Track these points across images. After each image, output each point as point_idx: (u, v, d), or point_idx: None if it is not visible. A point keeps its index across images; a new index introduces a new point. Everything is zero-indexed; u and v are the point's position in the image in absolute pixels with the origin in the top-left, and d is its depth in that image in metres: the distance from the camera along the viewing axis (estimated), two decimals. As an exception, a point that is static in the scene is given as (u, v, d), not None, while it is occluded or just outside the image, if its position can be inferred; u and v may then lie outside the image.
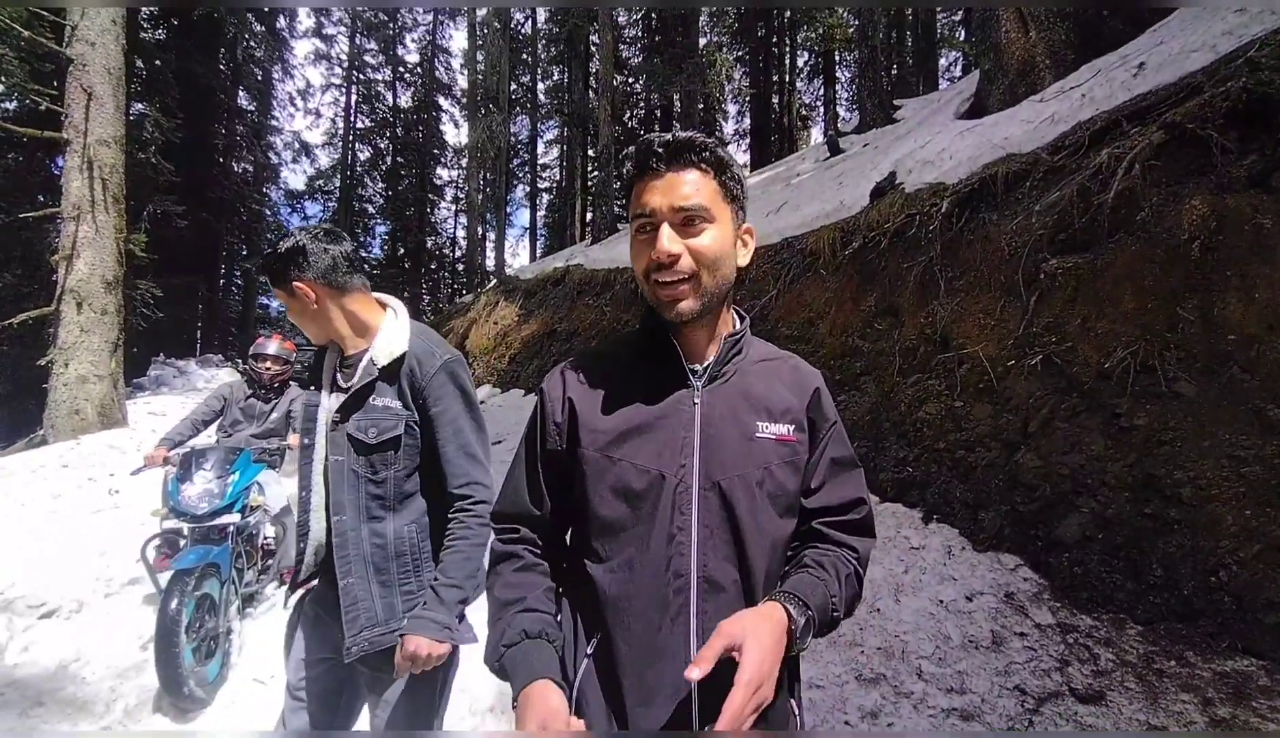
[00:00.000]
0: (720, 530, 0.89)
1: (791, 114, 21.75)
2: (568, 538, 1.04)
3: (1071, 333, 3.12)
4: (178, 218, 13.86)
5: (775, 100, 22.07)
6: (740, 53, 20.83)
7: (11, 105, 13.59)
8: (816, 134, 22.36)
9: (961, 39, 17.08)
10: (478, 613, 1.42)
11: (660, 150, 0.89)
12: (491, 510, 1.05)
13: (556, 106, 26.56)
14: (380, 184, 34.86)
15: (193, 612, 2.63)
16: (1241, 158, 2.77)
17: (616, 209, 14.37)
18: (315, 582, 1.54)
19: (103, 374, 6.95)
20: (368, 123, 33.66)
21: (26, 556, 3.87)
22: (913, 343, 3.97)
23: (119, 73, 6.61)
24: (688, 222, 0.88)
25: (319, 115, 33.64)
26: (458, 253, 36.08)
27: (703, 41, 17.16)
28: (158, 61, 17.53)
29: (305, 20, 30.31)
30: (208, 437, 3.75)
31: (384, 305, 1.57)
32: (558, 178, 30.15)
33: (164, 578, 2.78)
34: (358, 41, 32.30)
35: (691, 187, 0.88)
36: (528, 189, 30.18)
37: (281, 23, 27.29)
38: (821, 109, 21.42)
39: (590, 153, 22.71)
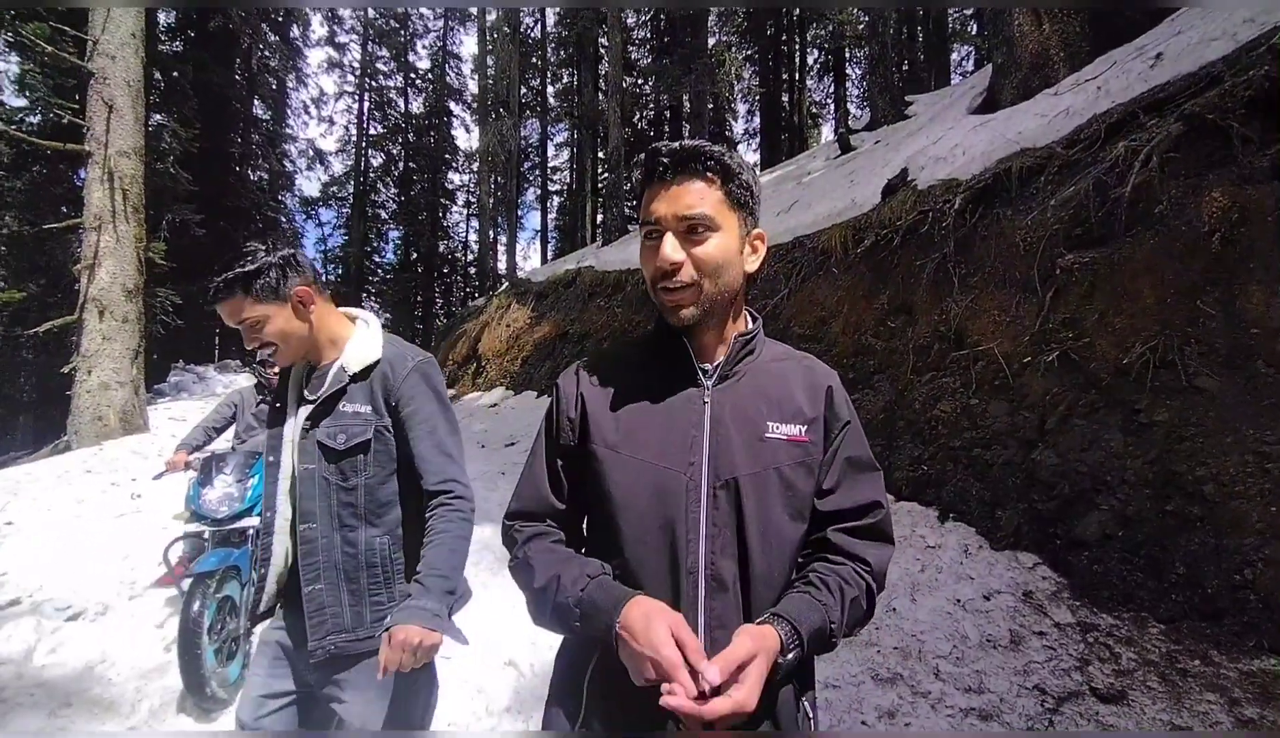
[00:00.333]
0: (727, 529, 0.89)
1: (802, 112, 21.66)
2: (583, 531, 1.05)
3: (1089, 329, 3.07)
4: (196, 226, 14.12)
5: (785, 98, 21.99)
6: (749, 52, 20.80)
7: (35, 119, 13.93)
8: (827, 132, 22.26)
9: (974, 33, 16.90)
10: (463, 620, 1.44)
11: (667, 159, 0.90)
12: (507, 510, 1.05)
13: (566, 109, 26.66)
14: (393, 190, 35.25)
15: (214, 614, 2.67)
16: (1264, 148, 2.71)
17: (627, 210, 14.39)
18: (272, 617, 1.49)
19: (124, 381, 7.09)
20: (380, 129, 34.07)
21: (53, 559, 3.96)
22: (927, 341, 3.94)
23: (138, 85, 6.74)
24: (691, 230, 0.89)
25: (332, 123, 34.11)
26: (470, 257, 36.39)
27: (712, 41, 17.16)
28: (175, 73, 17.87)
29: (318, 29, 30.83)
30: (225, 442, 3.81)
31: (351, 318, 1.56)
32: (568, 180, 30.28)
33: (184, 583, 2.84)
34: (370, 49, 32.69)
35: (695, 196, 0.89)
36: (539, 192, 30.31)
37: (295, 32, 27.69)
38: (832, 106, 21.31)
39: (600, 155, 22.77)
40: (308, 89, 30.27)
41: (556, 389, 1.04)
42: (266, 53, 25.47)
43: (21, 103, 14.19)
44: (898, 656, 2.61)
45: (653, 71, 19.72)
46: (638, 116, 24.89)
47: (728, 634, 0.86)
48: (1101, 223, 3.19)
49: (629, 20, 21.84)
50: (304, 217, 33.55)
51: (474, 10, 20.38)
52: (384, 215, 35.26)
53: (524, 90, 24.49)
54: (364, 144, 33.27)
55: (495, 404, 10.03)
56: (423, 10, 31.76)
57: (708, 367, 0.97)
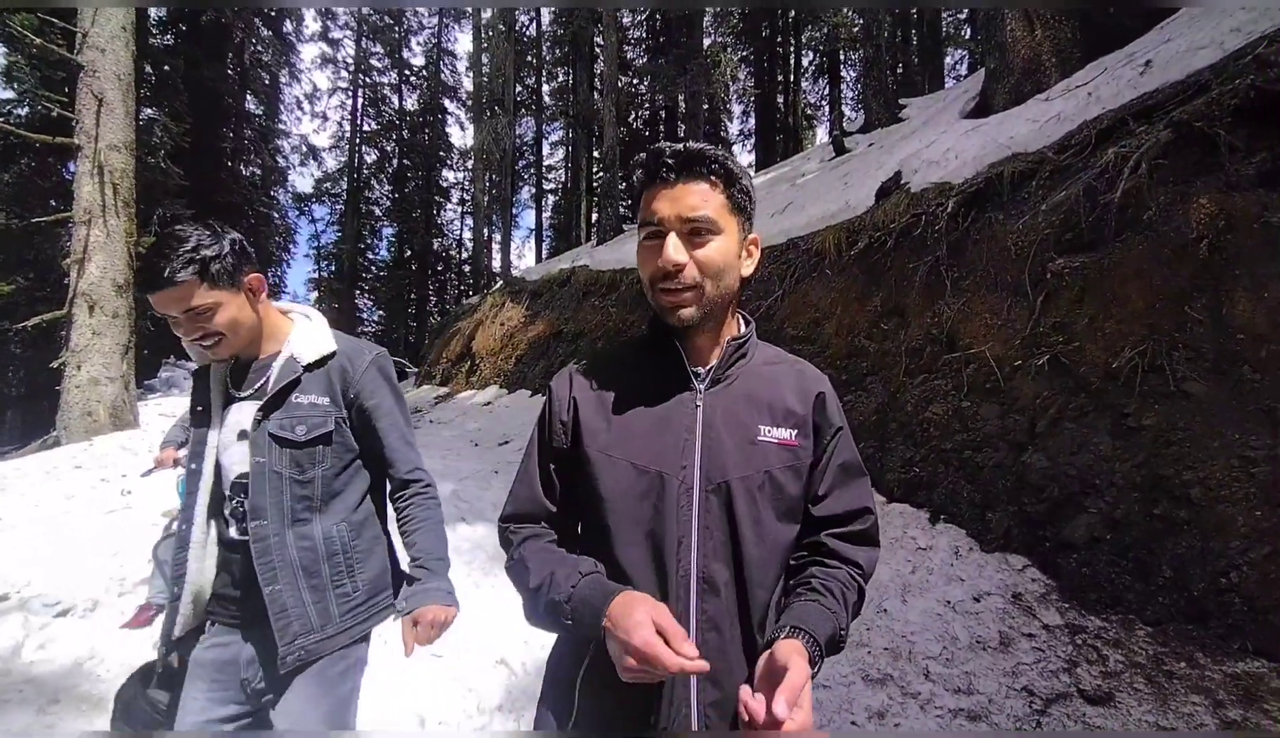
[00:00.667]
0: (719, 531, 0.90)
1: (796, 114, 21.72)
2: (577, 533, 1.06)
3: (1079, 333, 3.10)
4: (188, 221, 13.99)
5: (780, 100, 22.04)
6: (745, 53, 20.83)
7: (24, 112, 13.78)
8: (822, 134, 22.35)
9: (967, 37, 17.01)
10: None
11: (671, 160, 0.90)
12: (502, 512, 1.06)
13: (561, 108, 26.63)
14: (387, 187, 35.08)
15: None
16: (1250, 156, 2.75)
17: (622, 210, 14.38)
18: (200, 638, 1.39)
19: (114, 376, 7.02)
20: (374, 126, 33.90)
21: (41, 555, 3.92)
22: (919, 343, 3.97)
23: (129, 78, 6.68)
24: (694, 232, 0.90)
25: (326, 119, 33.95)
26: (464, 255, 36.27)
27: (707, 42, 17.18)
28: (166, 67, 17.71)
29: (312, 24, 30.57)
30: None
31: (284, 311, 1.51)
32: (563, 179, 30.25)
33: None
34: (364, 45, 32.52)
35: (699, 198, 0.90)
36: (533, 191, 30.26)
37: (288, 27, 27.51)
38: (826, 109, 21.39)
39: (595, 154, 22.76)
40: (301, 84, 30.19)
41: (549, 392, 1.04)
42: (259, 48, 25.30)
43: (9, 95, 14.05)
44: (888, 656, 2.63)
45: (648, 71, 19.73)
46: (633, 116, 24.87)
47: (719, 636, 0.87)
48: (1092, 228, 3.23)
49: (624, 20, 21.82)
50: (297, 213, 33.34)
51: (469, 8, 20.31)
52: (378, 212, 35.09)
53: (519, 88, 24.43)
54: (358, 140, 33.08)
55: (489, 403, 10.01)
56: (418, 7, 31.61)
57: (700, 370, 0.97)
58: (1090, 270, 3.15)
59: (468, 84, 29.73)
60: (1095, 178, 3.29)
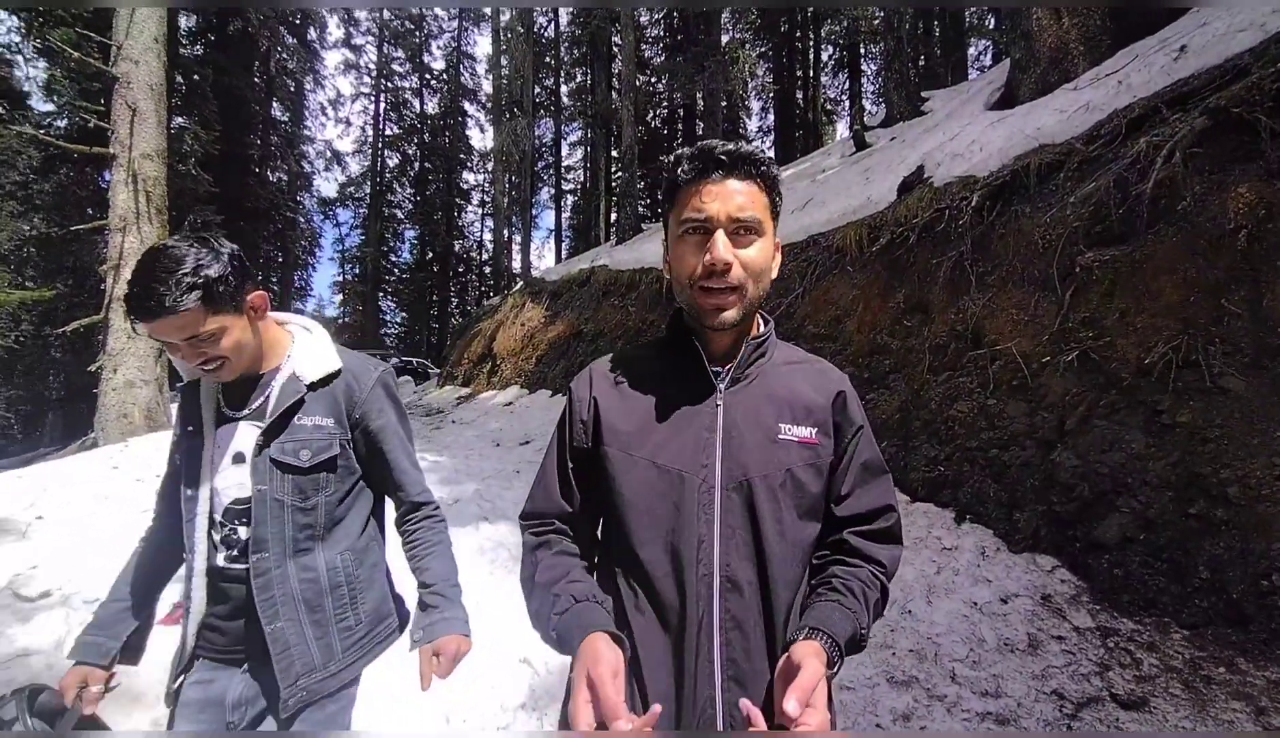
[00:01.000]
0: (741, 531, 0.90)
1: (816, 109, 21.49)
2: (598, 533, 1.06)
3: (1109, 328, 3.02)
4: (217, 227, 14.35)
5: (799, 96, 21.84)
6: (763, 49, 20.68)
7: (63, 123, 14.26)
8: (842, 129, 22.08)
9: (991, 27, 16.66)
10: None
11: (724, 158, 0.90)
12: (523, 510, 1.06)
13: (580, 108, 26.72)
14: (409, 190, 35.63)
15: None
16: (1291, 142, 2.65)
17: (641, 209, 14.39)
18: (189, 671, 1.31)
19: (149, 379, 7.23)
20: (396, 130, 34.45)
21: (81, 553, 4.06)
22: (943, 340, 3.90)
23: (160, 88, 6.86)
24: (740, 232, 0.90)
25: (349, 124, 34.54)
26: (485, 256, 36.68)
27: (725, 39, 17.08)
28: (196, 76, 18.18)
29: (335, 31, 31.23)
30: None
31: (281, 323, 1.41)
32: (582, 179, 30.35)
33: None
34: (385, 50, 33.05)
35: (748, 198, 0.90)
36: (553, 191, 30.44)
37: (312, 34, 28.03)
38: (847, 103, 21.14)
39: (614, 154, 22.79)
40: (325, 91, 30.71)
41: (570, 393, 1.05)
42: (284, 55, 25.83)
43: (49, 107, 14.55)
44: (913, 658, 2.59)
45: (666, 70, 19.68)
46: (651, 115, 24.86)
47: (743, 636, 0.87)
48: (1123, 220, 3.14)
49: (642, 18, 21.81)
50: (321, 217, 34.05)
51: (488, 10, 20.48)
52: (400, 215, 35.65)
53: (538, 90, 24.58)
54: (380, 145, 33.64)
55: (510, 403, 10.09)
56: (437, 11, 31.98)
57: (720, 369, 0.97)
58: (1121, 263, 3.07)
59: (487, 86, 30.09)
60: (1126, 168, 3.20)
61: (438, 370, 19.17)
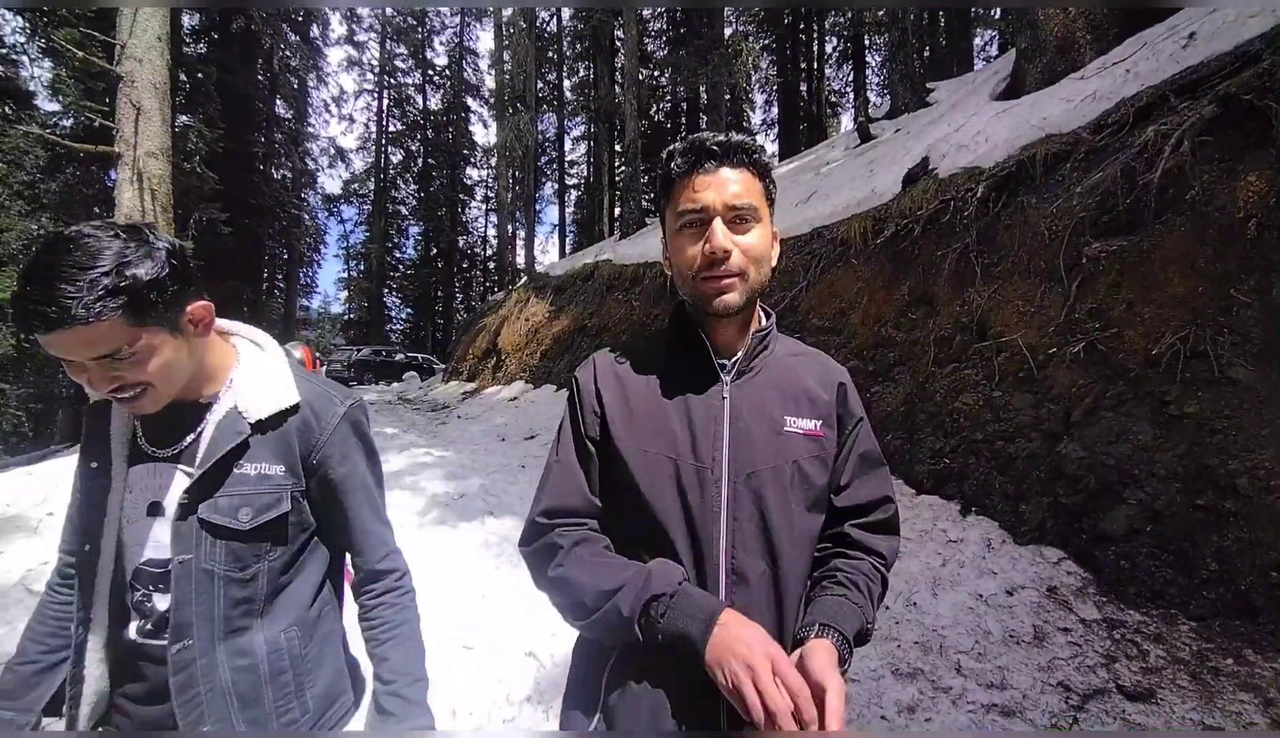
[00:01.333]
0: (749, 523, 0.89)
1: (820, 101, 21.37)
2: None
3: (1116, 319, 3.00)
4: (222, 225, 14.41)
5: (803, 88, 21.71)
6: (767, 41, 20.56)
7: (69, 122, 14.32)
8: (846, 121, 21.96)
9: (997, 17, 16.49)
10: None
11: (715, 148, 0.91)
12: (541, 507, 0.97)
13: (583, 103, 26.65)
14: (413, 186, 35.66)
15: None
16: (1302, 129, 2.62)
17: (645, 203, 14.36)
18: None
19: (156, 377, 7.27)
20: (399, 126, 34.46)
21: (91, 549, 4.10)
22: (948, 332, 3.88)
23: (164, 87, 6.88)
24: (738, 220, 0.91)
25: (353, 121, 34.70)
26: (489, 251, 36.71)
27: (728, 31, 16.99)
28: (200, 74, 18.21)
29: (338, 27, 31.22)
30: None
31: (224, 334, 1.11)
32: (585, 174, 30.33)
33: None
34: (388, 47, 33.03)
35: (743, 186, 0.91)
36: (556, 186, 30.42)
37: (315, 31, 28.02)
38: (851, 95, 20.99)
39: (617, 148, 22.72)
40: (328, 88, 30.70)
41: (576, 383, 1.03)
42: (287, 52, 25.82)
43: (55, 107, 14.61)
44: (918, 650, 2.59)
45: (669, 63, 19.61)
46: (654, 109, 24.79)
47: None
48: (1130, 210, 3.11)
49: (645, 12, 21.70)
50: (326, 214, 34.12)
51: (490, 6, 20.42)
52: (404, 211, 35.72)
53: (540, 84, 24.53)
54: (384, 141, 33.67)
55: (515, 398, 10.11)
56: (440, 6, 31.91)
57: (725, 362, 0.97)
58: (1128, 254, 3.04)
59: (490, 82, 30.10)
60: (1133, 158, 3.16)
61: (443, 366, 19.23)
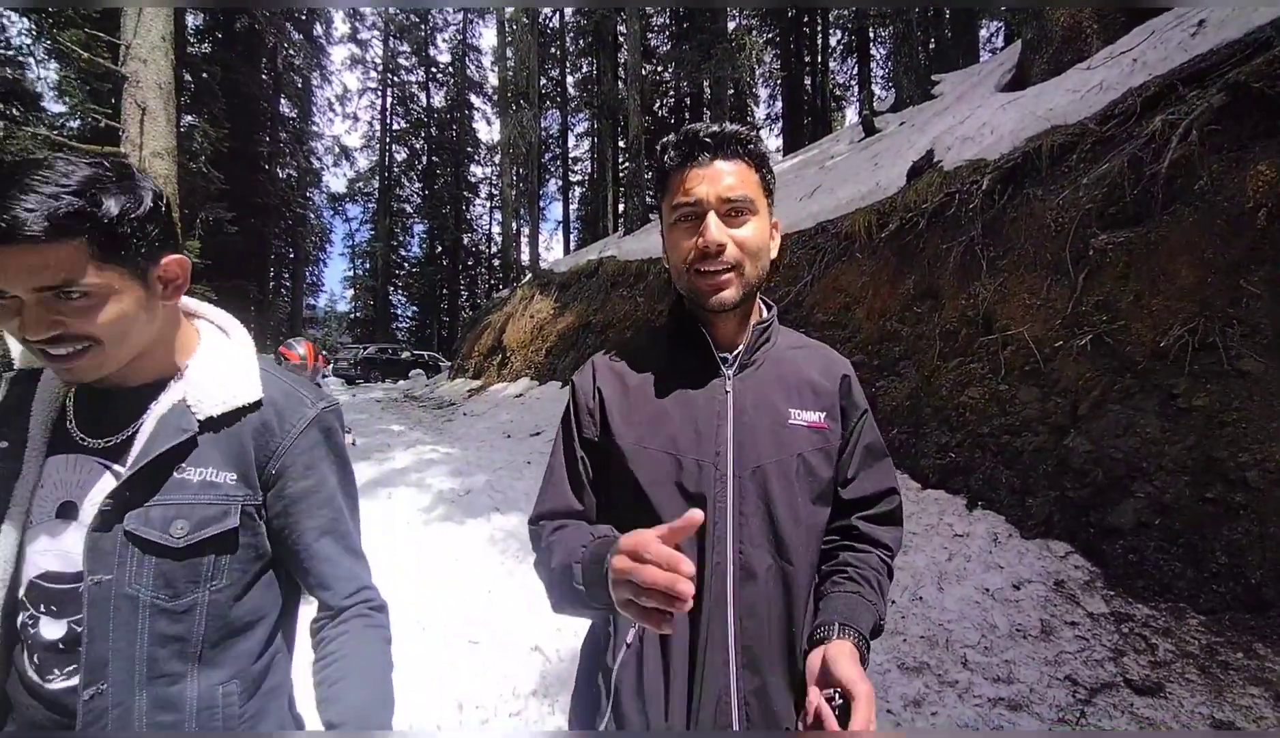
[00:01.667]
0: (755, 517, 0.89)
1: (825, 95, 21.26)
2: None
3: (1124, 311, 2.98)
4: (228, 224, 14.48)
5: (808, 82, 21.59)
6: (770, 35, 20.42)
7: (75, 124, 14.40)
8: (851, 115, 21.82)
9: (1003, 9, 16.34)
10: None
11: (708, 140, 0.89)
12: (534, 513, 0.98)
13: (586, 99, 26.59)
14: (417, 184, 35.73)
15: None
16: (1313, 118, 2.59)
17: (648, 199, 14.34)
18: None
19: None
20: (403, 124, 34.49)
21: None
22: (954, 325, 3.86)
23: (169, 87, 6.90)
24: (733, 212, 0.89)
25: (357, 119, 34.75)
26: (493, 249, 36.72)
27: (731, 25, 16.89)
28: (205, 74, 18.27)
29: (341, 26, 31.22)
30: None
31: (188, 314, 0.94)
32: (589, 170, 30.26)
33: None
34: (391, 45, 33.05)
35: (736, 178, 0.89)
36: (560, 183, 30.41)
37: (318, 30, 28.07)
38: (856, 89, 20.86)
39: (621, 144, 22.68)
40: (332, 86, 30.92)
41: (573, 386, 1.02)
42: (291, 52, 25.89)
43: (61, 108, 14.70)
44: (924, 645, 2.58)
45: (672, 58, 19.52)
46: (658, 104, 24.72)
47: (758, 624, 0.86)
48: (1137, 201, 3.08)
49: (647, 7, 21.61)
50: (331, 212, 34.26)
51: (492, 4, 20.39)
52: (409, 210, 35.81)
53: (543, 81, 24.50)
54: (388, 139, 33.73)
55: (521, 394, 10.13)
56: (443, 6, 31.90)
57: (727, 356, 0.96)
58: (1136, 245, 3.01)
59: (493, 79, 30.04)
60: (1141, 148, 3.14)
61: (448, 363, 19.29)
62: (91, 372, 0.78)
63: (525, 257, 18.91)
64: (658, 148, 0.95)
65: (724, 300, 0.90)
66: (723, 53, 13.71)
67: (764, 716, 0.85)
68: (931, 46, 14.80)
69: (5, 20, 13.08)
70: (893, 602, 2.85)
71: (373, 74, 33.26)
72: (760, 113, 24.27)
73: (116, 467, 0.82)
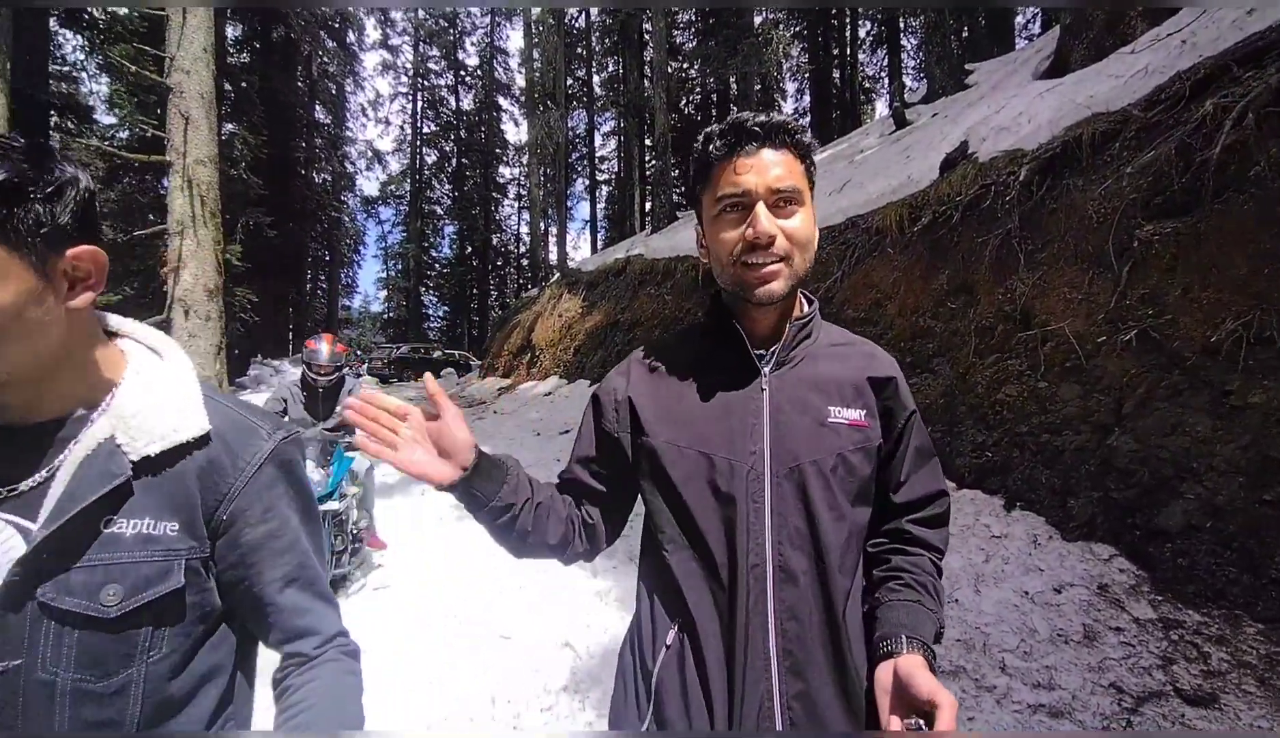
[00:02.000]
0: (794, 518, 0.87)
1: (854, 88, 20.88)
2: (622, 523, 1.05)
3: (1171, 305, 2.86)
4: (267, 228, 14.94)
5: (836, 74, 21.24)
6: (798, 28, 20.17)
7: (124, 134, 15.03)
8: (881, 107, 21.40)
9: (1042, -8, 15.80)
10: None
11: (756, 129, 0.87)
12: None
13: (612, 98, 26.65)
14: (447, 186, 36.32)
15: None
16: (1380, 98, 2.44)
17: (676, 197, 14.30)
18: None
19: (208, 375, 7.60)
20: (433, 127, 35.11)
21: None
22: (990, 321, 3.76)
23: (210, 97, 7.15)
24: (781, 203, 0.87)
25: (388, 123, 35.55)
26: (522, 248, 37.14)
27: (758, 19, 16.72)
28: (243, 83, 18.86)
29: (372, 33, 31.93)
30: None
31: (110, 333, 0.76)
32: (616, 169, 30.32)
33: None
34: (421, 50, 33.67)
35: (785, 168, 0.87)
36: (587, 182, 30.50)
37: (351, 37, 28.73)
38: (885, 80, 20.44)
39: (648, 142, 22.67)
40: (364, 92, 31.75)
41: (606, 382, 1.02)
42: (325, 59, 26.56)
43: (111, 120, 15.36)
44: (960, 648, 2.53)
45: (698, 55, 19.40)
46: (684, 101, 24.61)
47: (799, 625, 0.85)
48: (1185, 189, 2.95)
49: (672, 5, 21.53)
50: (365, 215, 35.07)
51: (520, 6, 20.57)
52: (439, 211, 36.43)
53: (570, 81, 24.60)
54: (418, 142, 34.36)
55: (549, 393, 10.22)
56: (471, 7, 32.36)
57: (764, 353, 0.94)
58: (1184, 236, 2.89)
59: (520, 80, 30.35)
60: (1190, 134, 3.00)
61: (479, 363, 19.56)
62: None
63: (553, 256, 19.07)
64: (700, 138, 0.92)
65: (772, 292, 0.87)
66: (749, 48, 13.58)
67: (810, 721, 0.83)
68: (964, 35, 14.42)
69: (61, 37, 13.71)
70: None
71: (403, 79, 33.95)
72: (788, 108, 23.96)
73: (24, 522, 0.64)
